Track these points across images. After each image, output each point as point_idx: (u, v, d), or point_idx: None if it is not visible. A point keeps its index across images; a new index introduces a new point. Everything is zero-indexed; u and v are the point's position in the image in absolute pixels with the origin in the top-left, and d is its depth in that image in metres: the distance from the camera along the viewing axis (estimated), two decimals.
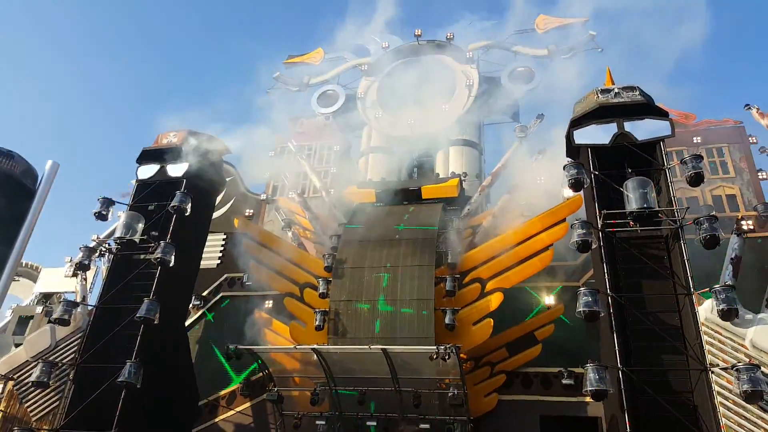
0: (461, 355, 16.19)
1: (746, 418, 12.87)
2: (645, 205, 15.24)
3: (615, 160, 16.66)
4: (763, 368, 13.02)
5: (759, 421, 12.81)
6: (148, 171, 20.17)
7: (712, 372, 13.30)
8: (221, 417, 20.93)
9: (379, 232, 19.43)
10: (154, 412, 16.62)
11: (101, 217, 19.11)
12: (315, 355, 17.13)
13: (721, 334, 13.90)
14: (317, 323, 17.94)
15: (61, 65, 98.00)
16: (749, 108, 24.30)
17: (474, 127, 25.55)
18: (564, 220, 18.11)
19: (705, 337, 13.75)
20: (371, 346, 16.28)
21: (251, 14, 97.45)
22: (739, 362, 13.04)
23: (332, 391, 17.81)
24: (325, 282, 18.75)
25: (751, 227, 19.22)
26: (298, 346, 17.56)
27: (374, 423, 17.30)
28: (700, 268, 15.43)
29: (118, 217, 19.97)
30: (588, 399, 15.72)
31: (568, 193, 18.78)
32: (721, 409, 12.91)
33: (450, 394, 16.22)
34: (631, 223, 15.66)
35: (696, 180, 15.56)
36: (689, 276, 14.40)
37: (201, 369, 21.00)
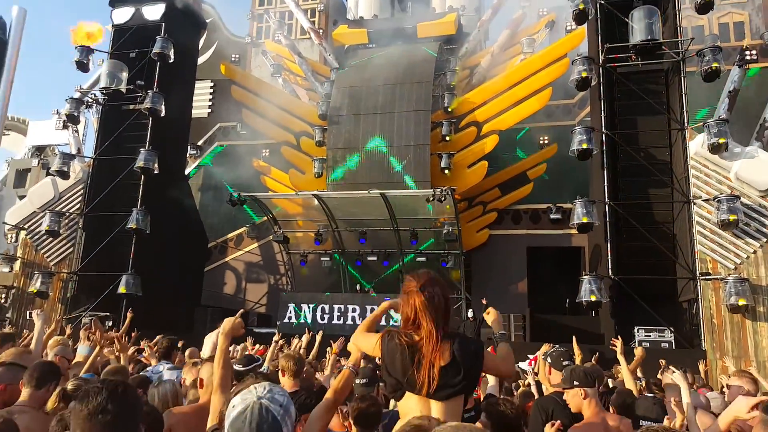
0: (456, 196, 16.72)
1: (719, 244, 13.90)
2: (650, 37, 14.67)
3: None
4: (743, 198, 13.76)
5: (730, 246, 13.86)
6: (123, 15, 18.74)
7: (694, 203, 14.01)
8: (231, 256, 22.31)
9: (374, 76, 18.80)
10: (165, 254, 17.56)
11: (82, 65, 18.28)
12: (316, 201, 17.70)
13: (707, 167, 14.40)
14: (316, 170, 18.23)
15: None
16: None
17: None
18: (565, 56, 17.48)
19: (692, 171, 14.23)
20: (370, 191, 16.76)
21: None
22: (721, 194, 13.70)
23: (334, 232, 18.75)
24: (321, 130, 18.63)
25: (755, 57, 18.67)
26: (299, 192, 18.04)
27: (375, 257, 18.51)
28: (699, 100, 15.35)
29: (99, 66, 19.11)
30: (573, 231, 16.64)
31: (572, 25, 17.85)
32: (698, 237, 13.86)
33: (445, 232, 17.15)
34: (633, 56, 15.21)
35: (705, 7, 14.82)
36: (685, 111, 14.42)
37: (206, 214, 21.77)
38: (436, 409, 2.24)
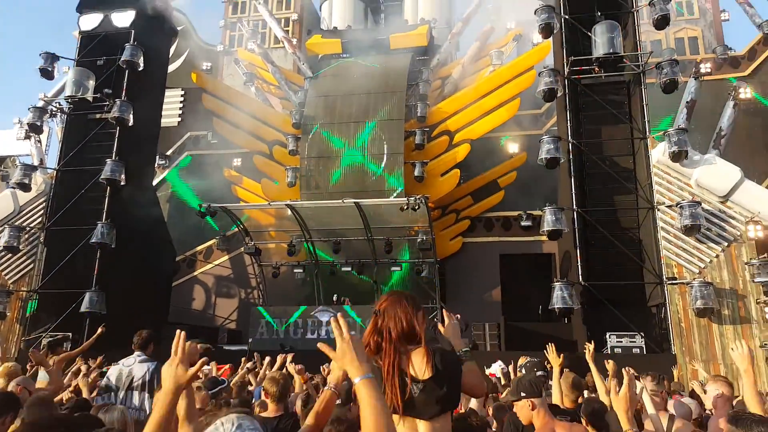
0: (429, 204, 16.85)
1: (684, 249, 14.39)
2: (611, 50, 15.27)
3: (586, 3, 16.22)
4: (704, 204, 14.33)
5: (694, 251, 14.36)
6: (91, 21, 18.27)
7: (658, 209, 14.50)
8: (200, 270, 21.77)
9: (347, 86, 18.89)
10: (131, 269, 16.95)
11: (46, 73, 17.74)
12: (289, 210, 17.50)
13: (669, 175, 14.94)
14: (289, 180, 18.09)
15: None
16: None
17: None
18: (532, 68, 17.98)
19: (655, 178, 14.75)
20: (344, 200, 16.70)
21: None
22: (683, 200, 14.22)
23: (307, 243, 18.59)
24: (294, 139, 18.54)
25: (709, 70, 19.61)
26: (272, 203, 17.84)
27: (349, 268, 18.40)
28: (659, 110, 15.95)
29: (65, 73, 18.59)
30: (543, 238, 16.96)
31: (538, 38, 18.41)
32: (663, 242, 14.32)
33: (419, 240, 17.24)
34: (596, 69, 15.79)
35: (662, 22, 15.54)
36: (646, 120, 14.97)
37: (174, 226, 21.25)
38: (423, 430, 2.13)
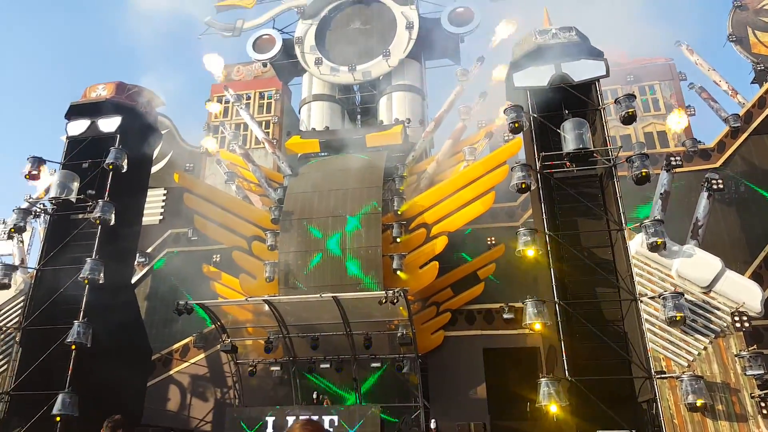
0: (409, 297, 16.71)
1: (670, 342, 14.02)
2: (581, 146, 15.76)
3: (553, 102, 17.00)
4: (686, 295, 14.13)
5: (681, 344, 13.98)
6: (78, 127, 19.15)
7: (641, 301, 14.29)
8: (176, 369, 21.13)
9: (325, 183, 19.39)
10: (106, 369, 16.49)
11: (33, 177, 18.29)
12: (267, 306, 17.31)
13: (649, 266, 14.86)
14: (267, 275, 18.03)
15: None
16: (679, 44, 25.03)
17: (416, 71, 24.89)
18: (504, 163, 18.52)
19: (635, 269, 14.67)
20: (322, 294, 16.55)
21: None
22: (665, 291, 14.05)
23: (285, 339, 18.15)
24: (273, 234, 18.72)
25: (679, 162, 20.19)
26: (249, 298, 17.68)
27: (327, 365, 17.84)
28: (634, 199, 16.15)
29: (51, 176, 19.11)
30: (527, 331, 16.61)
31: (509, 135, 19.14)
32: (649, 335, 13.99)
33: (399, 335, 16.85)
34: (568, 164, 16.24)
35: (629, 119, 16.15)
36: (621, 212, 15.16)
37: (151, 324, 20.96)
38: None
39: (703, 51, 29.66)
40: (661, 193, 18.67)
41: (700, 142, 22.08)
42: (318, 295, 16.72)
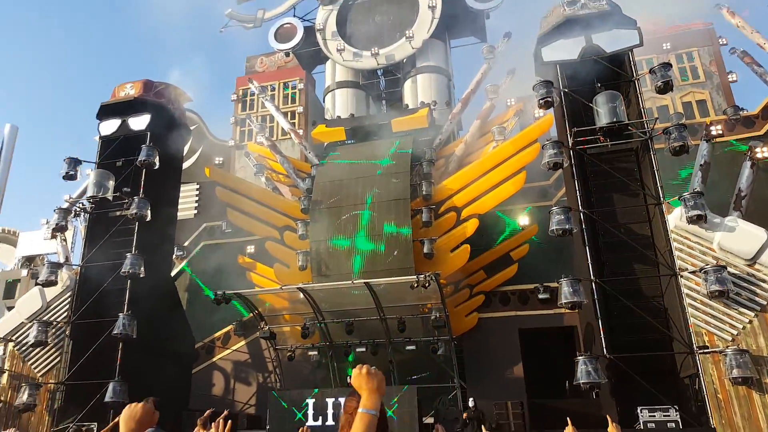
0: (441, 281, 16.66)
1: (713, 316, 13.60)
2: (614, 119, 15.24)
3: (584, 75, 16.46)
4: (729, 268, 13.66)
5: (725, 317, 13.55)
6: (110, 126, 19.62)
7: (681, 276, 13.87)
8: (219, 356, 21.81)
9: (352, 170, 19.37)
10: (152, 358, 17.19)
11: (70, 177, 18.88)
12: (302, 294, 17.56)
13: (689, 240, 14.37)
14: (300, 264, 18.23)
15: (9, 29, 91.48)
16: (720, 8, 23.84)
17: (441, 51, 24.24)
18: (535, 141, 18.12)
19: (674, 244, 14.22)
20: (354, 281, 16.64)
21: None
22: (707, 265, 13.60)
23: (321, 325, 18.41)
24: (303, 224, 18.88)
25: (720, 132, 19.36)
26: (284, 287, 17.94)
27: (363, 349, 18.02)
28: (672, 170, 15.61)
29: (87, 175, 19.69)
30: (564, 310, 16.36)
31: (540, 112, 18.70)
32: (690, 310, 13.60)
33: (432, 318, 16.83)
34: (601, 138, 15.72)
35: (665, 89, 15.49)
36: (659, 186, 14.67)
37: (192, 315, 21.50)
38: None
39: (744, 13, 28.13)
40: (701, 165, 18.02)
41: (742, 109, 21.09)
42: (350, 282, 16.88)
